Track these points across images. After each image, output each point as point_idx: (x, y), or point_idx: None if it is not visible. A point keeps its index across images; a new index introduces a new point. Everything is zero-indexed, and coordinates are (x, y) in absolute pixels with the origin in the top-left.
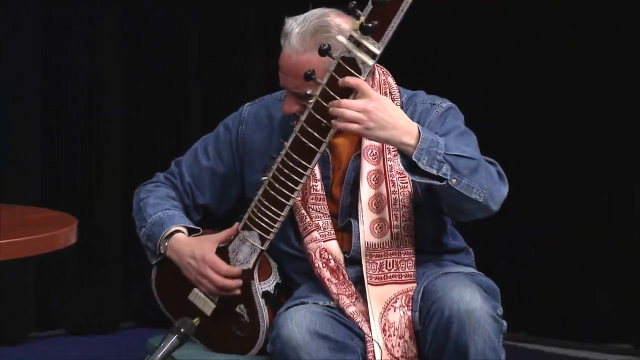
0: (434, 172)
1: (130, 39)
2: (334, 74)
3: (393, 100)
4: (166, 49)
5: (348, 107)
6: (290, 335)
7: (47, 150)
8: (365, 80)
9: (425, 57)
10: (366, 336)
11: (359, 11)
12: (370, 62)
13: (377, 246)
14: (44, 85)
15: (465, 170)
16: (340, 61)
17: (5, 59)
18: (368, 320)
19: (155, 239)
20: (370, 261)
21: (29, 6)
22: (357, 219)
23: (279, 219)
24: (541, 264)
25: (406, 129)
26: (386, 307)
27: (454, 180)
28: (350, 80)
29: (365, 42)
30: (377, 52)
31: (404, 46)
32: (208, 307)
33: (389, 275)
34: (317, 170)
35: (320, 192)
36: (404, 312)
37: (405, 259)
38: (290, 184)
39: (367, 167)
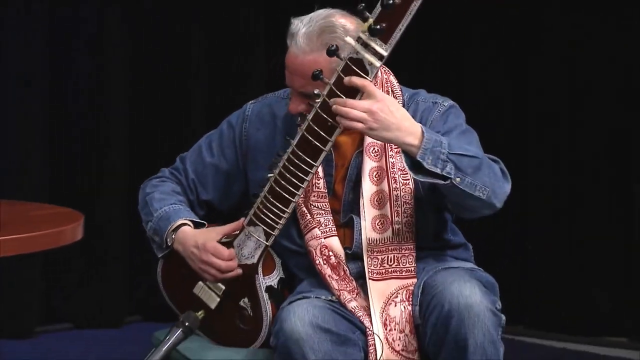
0: (438, 171)
1: (132, 39)
2: (341, 74)
3: (395, 98)
4: (167, 49)
5: (353, 107)
6: (293, 328)
7: (52, 149)
8: (371, 81)
9: (425, 57)
10: (367, 330)
11: (368, 13)
12: (378, 63)
13: (378, 242)
14: (49, 85)
15: (469, 168)
16: (348, 62)
17: (10, 59)
18: (369, 315)
19: (162, 232)
20: (372, 257)
21: (33, 6)
22: (359, 215)
23: (284, 215)
24: (540, 261)
25: (410, 130)
26: (387, 301)
27: (458, 179)
28: (356, 80)
29: (373, 44)
30: (385, 53)
31: (404, 46)
32: (212, 300)
33: (390, 270)
34: (320, 168)
35: (322, 189)
36: (404, 307)
37: (406, 254)
38: (296, 181)
39: (369, 164)
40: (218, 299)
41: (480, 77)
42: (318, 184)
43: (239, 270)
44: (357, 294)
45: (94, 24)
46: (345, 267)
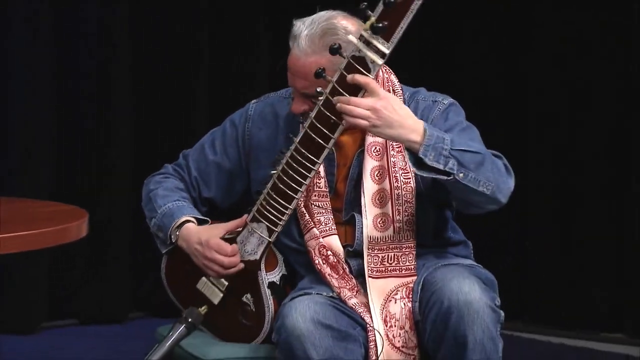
0: (441, 167)
1: (134, 39)
2: (344, 72)
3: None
4: (169, 49)
5: (357, 105)
6: (295, 324)
7: (55, 148)
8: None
9: (425, 56)
10: (368, 326)
11: (370, 12)
12: (380, 61)
13: (379, 240)
14: (52, 84)
15: (472, 164)
16: (351, 60)
17: (14, 58)
18: (370, 312)
19: (165, 229)
20: (372, 254)
21: (37, 7)
22: (360, 213)
23: (287, 212)
24: (539, 259)
25: (413, 127)
26: (387, 299)
27: (461, 175)
28: (359, 78)
29: (375, 42)
30: (387, 51)
31: (404, 46)
32: (215, 296)
33: (389, 268)
34: (321, 167)
35: (323, 189)
36: (404, 304)
37: (407, 252)
38: (299, 178)
39: (371, 163)
40: (221, 295)
41: (480, 77)
42: (319, 183)
43: (242, 266)
44: (357, 291)
45: (96, 24)
46: (344, 266)
